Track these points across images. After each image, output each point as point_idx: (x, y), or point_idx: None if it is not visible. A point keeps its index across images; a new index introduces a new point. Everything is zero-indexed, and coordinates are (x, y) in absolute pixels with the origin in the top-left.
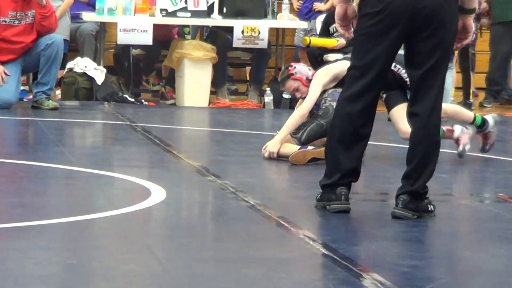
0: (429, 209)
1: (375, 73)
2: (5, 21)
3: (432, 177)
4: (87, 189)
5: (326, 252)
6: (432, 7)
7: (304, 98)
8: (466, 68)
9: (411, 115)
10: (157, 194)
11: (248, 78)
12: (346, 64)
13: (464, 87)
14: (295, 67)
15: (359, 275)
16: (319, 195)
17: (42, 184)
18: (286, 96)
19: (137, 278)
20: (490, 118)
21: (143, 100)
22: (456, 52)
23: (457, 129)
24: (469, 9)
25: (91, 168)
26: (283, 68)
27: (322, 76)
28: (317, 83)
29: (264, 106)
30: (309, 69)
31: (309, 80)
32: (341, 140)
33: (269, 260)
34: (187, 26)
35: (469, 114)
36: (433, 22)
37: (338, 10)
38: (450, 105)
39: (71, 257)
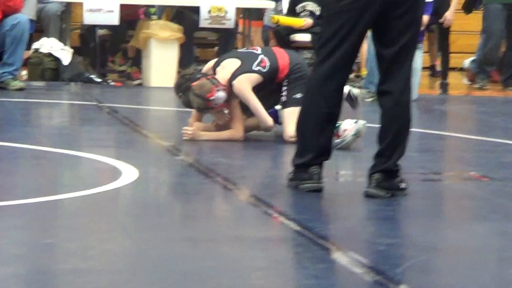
0: (402, 187)
1: (347, 50)
2: None
3: (404, 154)
4: (58, 169)
5: (302, 231)
6: None
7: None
8: (445, 48)
9: (382, 93)
10: (129, 173)
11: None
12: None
13: (443, 68)
14: (214, 98)
15: (336, 253)
16: (291, 174)
17: (12, 164)
18: None
19: (114, 257)
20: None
21: (110, 81)
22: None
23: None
24: None
25: (60, 148)
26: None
27: (248, 84)
28: (247, 90)
29: None
30: (223, 90)
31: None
32: (315, 118)
33: (245, 239)
34: (153, 6)
35: None
36: (408, 0)
37: None
38: None
39: (47, 237)
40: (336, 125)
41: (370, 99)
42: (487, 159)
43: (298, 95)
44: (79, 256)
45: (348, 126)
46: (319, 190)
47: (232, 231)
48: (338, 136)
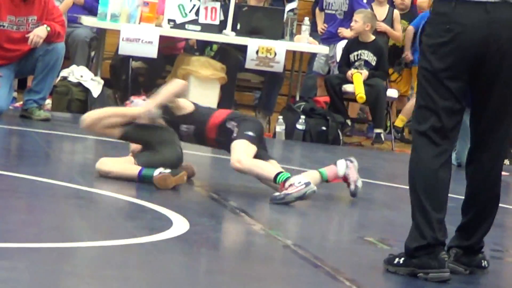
0: (483, 265)
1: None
2: (3, 26)
3: (489, 231)
4: (102, 212)
5: None
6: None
7: None
8: None
9: (471, 162)
10: (179, 223)
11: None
12: None
13: None
14: (132, 101)
15: None
16: (402, 259)
17: (52, 203)
18: (299, 127)
19: None
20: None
21: None
22: None
23: (340, 165)
24: None
25: (99, 189)
26: (297, 96)
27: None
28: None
29: (274, 136)
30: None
31: None
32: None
33: None
34: (211, 43)
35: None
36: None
37: None
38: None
39: (103, 286)
40: (286, 175)
41: None
42: None
43: (251, 133)
44: None
45: (296, 183)
46: (448, 280)
47: None
48: (281, 189)
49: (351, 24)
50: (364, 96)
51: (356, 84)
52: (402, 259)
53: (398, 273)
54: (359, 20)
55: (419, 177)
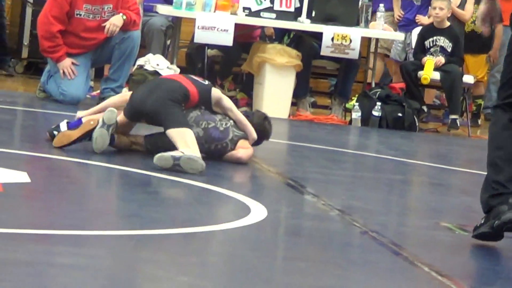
0: None
1: None
2: (80, 15)
3: None
4: (179, 199)
5: None
6: None
7: None
8: None
9: None
10: (257, 211)
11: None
12: None
13: None
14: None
15: None
16: (482, 220)
17: (128, 190)
18: (375, 113)
19: None
20: None
21: None
22: None
23: None
24: None
25: (177, 177)
26: (373, 83)
27: None
28: None
29: (350, 123)
30: None
31: None
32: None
33: None
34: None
35: None
36: None
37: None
38: None
39: (182, 273)
40: None
41: None
42: None
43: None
44: None
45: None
46: None
47: (384, 286)
48: None
49: (436, 12)
50: (429, 78)
51: (426, 67)
52: (483, 220)
53: (483, 232)
54: (444, 7)
55: (494, 136)
